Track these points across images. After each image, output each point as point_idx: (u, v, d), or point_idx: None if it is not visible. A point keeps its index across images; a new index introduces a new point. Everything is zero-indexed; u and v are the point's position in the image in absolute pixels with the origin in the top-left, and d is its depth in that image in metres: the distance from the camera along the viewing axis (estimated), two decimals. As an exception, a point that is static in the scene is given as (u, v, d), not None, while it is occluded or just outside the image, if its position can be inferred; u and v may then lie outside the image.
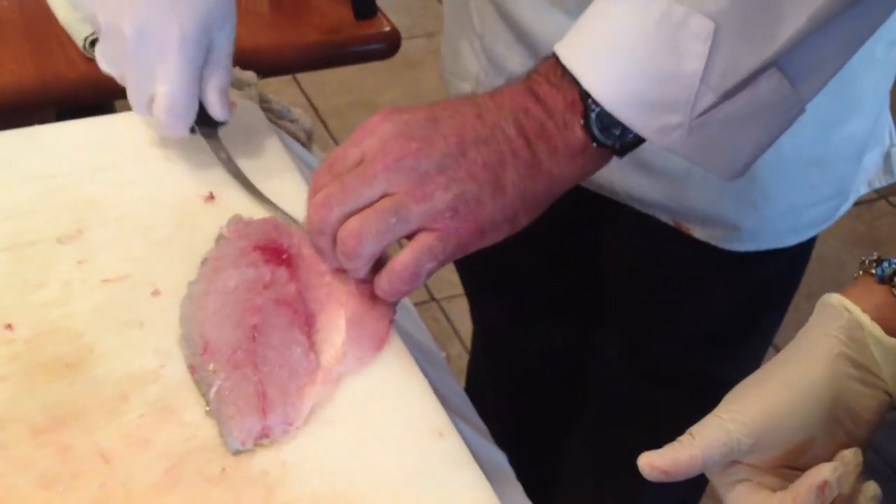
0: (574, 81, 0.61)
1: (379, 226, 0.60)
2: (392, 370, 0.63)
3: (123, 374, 0.61)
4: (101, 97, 1.11)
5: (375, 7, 1.19)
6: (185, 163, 0.77)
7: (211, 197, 0.74)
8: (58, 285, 0.66)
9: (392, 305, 0.65)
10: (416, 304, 0.89)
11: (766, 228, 0.87)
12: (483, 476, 0.58)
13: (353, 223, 0.61)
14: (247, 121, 0.80)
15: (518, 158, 0.61)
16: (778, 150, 0.66)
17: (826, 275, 1.97)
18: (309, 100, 2.58)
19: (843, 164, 0.87)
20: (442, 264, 0.62)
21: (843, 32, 0.59)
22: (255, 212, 0.71)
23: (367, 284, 0.64)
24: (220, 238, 0.69)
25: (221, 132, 0.76)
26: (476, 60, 0.92)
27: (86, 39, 1.05)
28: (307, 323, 0.64)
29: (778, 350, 0.57)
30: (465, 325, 1.39)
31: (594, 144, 0.61)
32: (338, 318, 0.64)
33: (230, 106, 0.75)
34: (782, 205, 0.86)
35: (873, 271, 0.58)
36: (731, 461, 0.54)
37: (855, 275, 0.59)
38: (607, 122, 0.60)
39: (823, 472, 0.50)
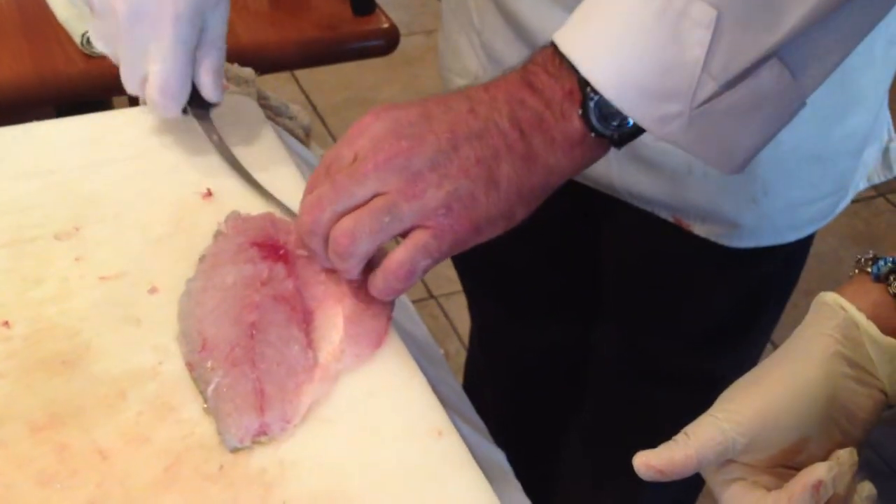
0: (573, 70, 0.60)
1: (372, 225, 0.60)
2: (390, 368, 0.63)
3: (121, 371, 0.61)
4: (100, 94, 1.11)
5: (374, 3, 1.19)
6: (183, 159, 0.76)
7: (209, 194, 0.73)
8: (55, 282, 0.66)
9: (390, 303, 0.65)
10: (414, 302, 0.89)
11: (765, 225, 0.87)
12: (482, 475, 0.58)
13: (345, 222, 0.61)
14: (245, 118, 0.80)
15: (512, 152, 0.61)
16: (778, 146, 0.65)
17: (824, 272, 1.98)
18: (307, 96, 2.58)
19: (843, 160, 0.87)
20: (437, 261, 0.61)
21: (845, 26, 0.58)
22: (254, 208, 0.71)
23: (363, 282, 0.64)
24: (217, 234, 0.69)
25: (218, 123, 0.76)
26: (475, 57, 0.92)
27: (84, 36, 1.05)
28: (305, 320, 0.63)
29: (775, 347, 0.57)
30: (464, 323, 1.39)
31: (592, 134, 0.61)
32: (335, 316, 0.64)
33: (223, 87, 0.75)
34: (782, 201, 0.86)
35: (869, 270, 0.57)
36: (727, 460, 0.54)
37: (851, 273, 0.59)
38: (606, 111, 0.60)
39: (818, 471, 0.50)
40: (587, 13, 0.61)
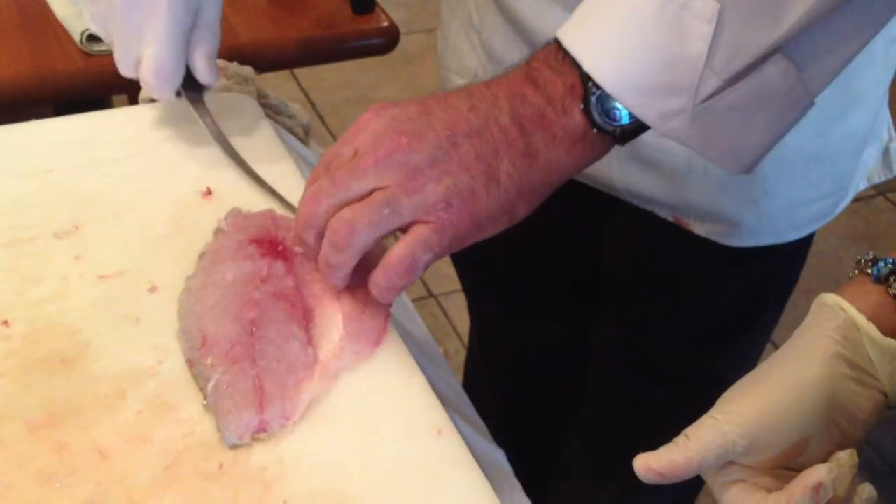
0: (575, 65, 0.60)
1: (371, 216, 0.60)
2: (390, 367, 0.63)
3: (121, 370, 0.61)
4: (99, 92, 1.11)
5: (374, 2, 1.19)
6: (183, 158, 0.76)
7: (209, 192, 0.73)
8: (55, 281, 0.66)
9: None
10: (413, 300, 0.89)
11: (765, 224, 0.87)
12: (482, 474, 0.58)
13: (345, 213, 0.60)
14: (244, 116, 0.80)
15: (513, 149, 0.61)
16: (779, 145, 0.65)
17: (824, 271, 1.98)
18: (307, 95, 2.58)
19: (844, 160, 0.87)
20: (438, 257, 0.61)
21: (852, 22, 0.58)
22: (254, 206, 0.71)
23: (361, 280, 0.64)
24: (217, 231, 0.69)
25: (217, 121, 0.76)
26: (474, 56, 0.92)
27: (83, 34, 1.05)
28: (304, 317, 0.63)
29: (776, 347, 0.57)
30: (463, 321, 1.39)
31: (594, 130, 0.60)
32: (334, 314, 0.64)
33: (217, 71, 0.75)
34: (782, 201, 0.86)
35: (869, 271, 0.57)
36: (727, 462, 0.54)
37: (851, 274, 0.58)
38: (608, 106, 0.59)
39: (818, 473, 0.50)
40: (590, 9, 0.61)
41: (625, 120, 0.60)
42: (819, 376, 0.54)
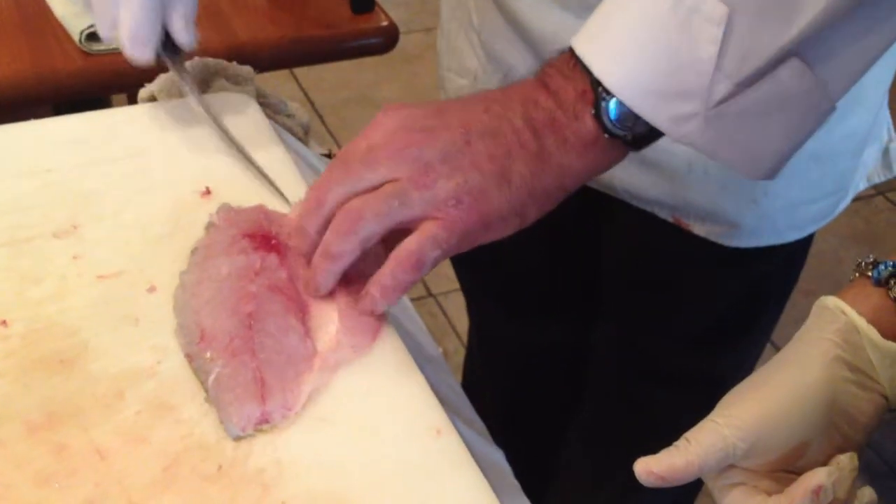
0: (586, 71, 0.60)
1: (380, 207, 0.60)
2: (389, 367, 0.63)
3: (119, 370, 0.61)
4: (98, 92, 1.11)
5: (373, 1, 1.19)
6: (182, 158, 0.76)
7: (207, 192, 0.73)
8: (54, 281, 0.66)
9: None
10: (412, 300, 0.88)
11: (765, 225, 0.87)
12: (481, 474, 0.58)
13: (354, 202, 0.61)
14: (243, 115, 0.80)
15: (525, 151, 0.61)
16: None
17: (824, 271, 1.98)
18: (306, 94, 2.58)
19: (844, 160, 0.87)
20: (445, 255, 0.61)
21: (869, 25, 0.57)
22: (252, 204, 0.71)
23: (356, 273, 0.63)
24: (209, 226, 0.69)
25: (215, 113, 0.76)
26: (474, 56, 0.92)
27: (82, 33, 1.05)
28: (301, 310, 0.63)
29: (776, 347, 0.57)
30: (463, 321, 1.38)
31: (606, 135, 0.60)
32: (330, 309, 0.64)
33: (195, 34, 0.75)
34: (782, 201, 0.86)
35: (869, 273, 0.57)
36: (727, 465, 0.54)
37: (851, 277, 0.58)
38: (619, 111, 0.59)
39: (819, 476, 0.50)
40: (601, 16, 0.61)
41: (636, 125, 0.60)
42: (819, 379, 0.53)
